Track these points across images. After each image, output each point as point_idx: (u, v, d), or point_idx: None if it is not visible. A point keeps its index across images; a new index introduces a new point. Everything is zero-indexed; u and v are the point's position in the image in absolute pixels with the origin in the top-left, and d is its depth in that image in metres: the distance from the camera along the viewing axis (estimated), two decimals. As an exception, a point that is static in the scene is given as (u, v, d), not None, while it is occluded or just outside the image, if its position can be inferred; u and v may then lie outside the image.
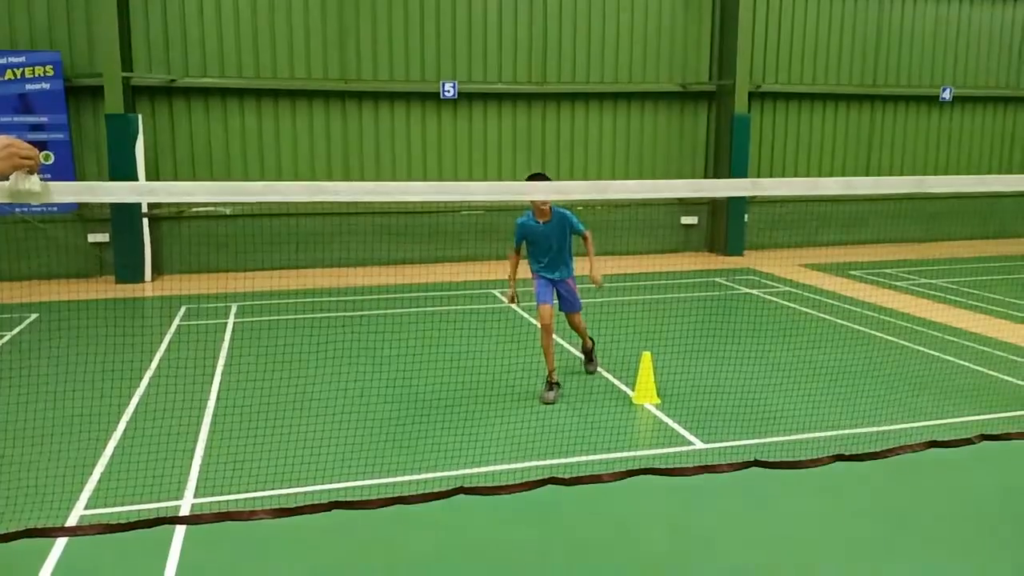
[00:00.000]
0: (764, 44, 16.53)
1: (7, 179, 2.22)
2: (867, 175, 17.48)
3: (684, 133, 16.44)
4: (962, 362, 8.28)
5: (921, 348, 8.84)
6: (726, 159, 15.95)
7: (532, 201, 7.24)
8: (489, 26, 15.02)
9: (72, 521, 4.82)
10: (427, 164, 15.01)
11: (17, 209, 12.93)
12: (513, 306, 7.80)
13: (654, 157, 16.26)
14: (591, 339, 8.00)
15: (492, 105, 15.27)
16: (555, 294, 7.48)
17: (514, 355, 8.49)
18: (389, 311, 10.94)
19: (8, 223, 13.09)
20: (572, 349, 8.72)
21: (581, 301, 7.63)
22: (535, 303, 7.44)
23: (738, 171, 15.77)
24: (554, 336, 7.48)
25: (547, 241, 7.36)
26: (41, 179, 2.27)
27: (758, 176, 16.64)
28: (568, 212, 7.45)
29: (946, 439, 3.99)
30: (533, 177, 7.13)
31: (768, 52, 16.60)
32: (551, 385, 7.19)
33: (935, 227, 18.00)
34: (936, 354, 8.59)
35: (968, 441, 3.92)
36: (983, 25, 17.84)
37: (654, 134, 16.25)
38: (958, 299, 11.55)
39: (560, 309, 7.62)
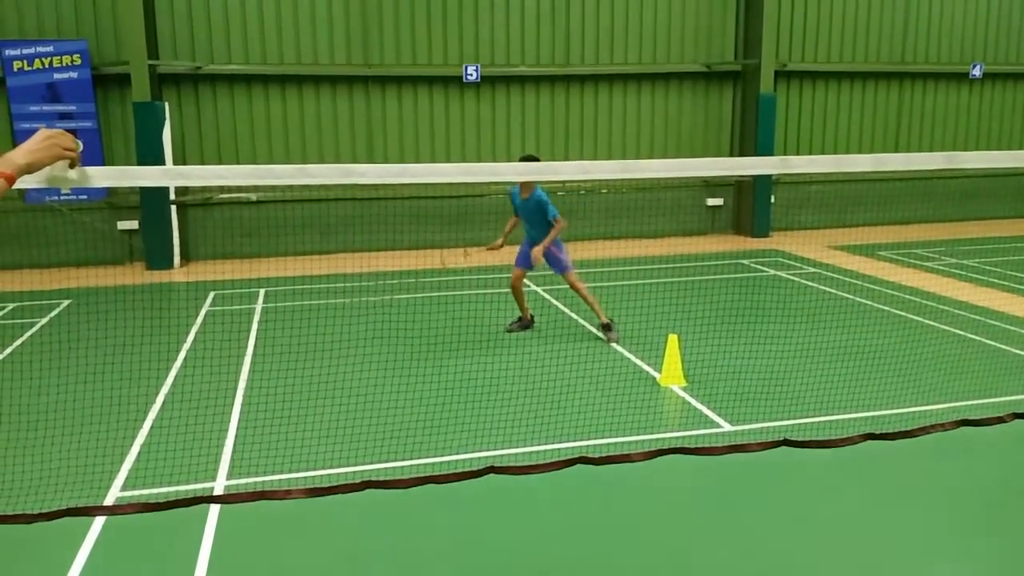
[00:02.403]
0: (790, 22, 16.31)
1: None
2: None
3: (709, 114, 16.31)
4: (993, 343, 8.19)
5: (951, 329, 8.75)
6: (752, 139, 15.80)
7: None
8: (511, 9, 14.95)
9: (109, 501, 4.92)
10: (450, 148, 15.01)
11: (47, 197, 13.12)
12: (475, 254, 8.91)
13: (679, 138, 16.15)
14: (531, 313, 8.97)
15: (515, 88, 15.22)
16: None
17: (541, 338, 8.52)
18: (417, 295, 10.99)
19: (40, 211, 13.29)
20: (589, 326, 8.72)
21: (568, 262, 8.54)
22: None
23: (764, 151, 15.63)
24: (524, 290, 8.92)
25: (524, 215, 8.50)
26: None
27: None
28: (546, 199, 8.35)
29: (978, 418, 3.96)
30: (524, 159, 8.27)
31: (794, 30, 16.38)
32: (518, 321, 8.84)
33: (965, 206, 17.74)
34: (966, 335, 8.50)
35: (1000, 419, 3.90)
36: (1015, 0, 17.48)
37: (679, 115, 16.13)
38: (988, 279, 11.41)
39: (554, 270, 8.67)
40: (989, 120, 17.87)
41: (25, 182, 2.21)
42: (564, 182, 8.24)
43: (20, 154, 2.08)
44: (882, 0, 16.72)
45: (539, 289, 11.03)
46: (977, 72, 17.37)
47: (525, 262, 8.57)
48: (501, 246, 8.70)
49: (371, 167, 2.72)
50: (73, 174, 2.30)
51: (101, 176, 2.45)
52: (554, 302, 10.24)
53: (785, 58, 16.29)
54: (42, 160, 2.12)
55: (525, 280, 9.23)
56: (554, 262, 8.52)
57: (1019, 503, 4.80)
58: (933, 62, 17.23)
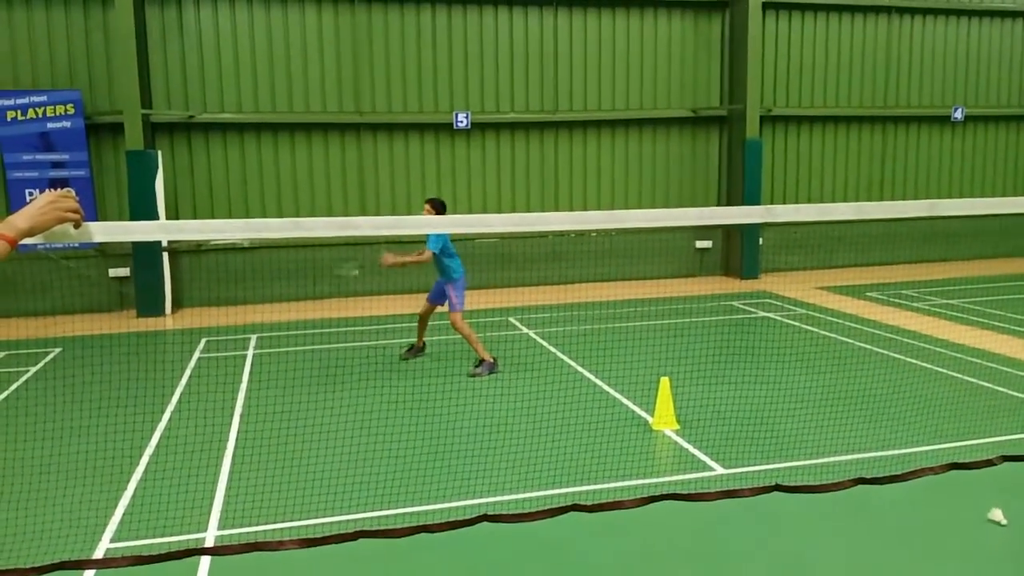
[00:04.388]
0: (774, 68, 16.63)
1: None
2: (880, 197, 17.49)
3: (696, 158, 16.53)
4: (982, 383, 8.25)
5: (940, 369, 8.81)
6: (739, 183, 16.01)
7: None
8: (501, 56, 15.21)
9: (99, 554, 4.88)
10: (441, 194, 15.13)
11: (39, 245, 13.12)
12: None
13: (667, 182, 16.36)
14: (423, 342, 9.84)
15: (505, 134, 15.43)
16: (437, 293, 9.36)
17: (532, 381, 8.53)
18: (409, 340, 10.99)
19: (31, 259, 13.30)
20: (581, 368, 8.75)
21: (457, 304, 9.07)
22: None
23: (751, 195, 15.83)
24: (427, 322, 9.80)
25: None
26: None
27: (771, 200, 16.68)
28: (434, 235, 8.79)
29: (967, 461, 3.99)
30: (432, 199, 9.06)
31: (778, 76, 16.70)
32: (410, 348, 9.82)
33: (952, 247, 17.94)
34: (956, 375, 8.56)
35: (989, 463, 3.93)
36: (994, 43, 17.89)
37: (666, 159, 16.35)
38: (977, 319, 11.51)
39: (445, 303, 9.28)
40: (972, 162, 18.17)
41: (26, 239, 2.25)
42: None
43: (23, 218, 2.13)
44: (864, 45, 17.09)
45: (530, 332, 11.07)
46: (959, 115, 17.70)
47: (435, 297, 9.41)
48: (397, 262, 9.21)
49: (366, 219, 2.78)
50: (74, 231, 2.35)
51: (101, 232, 2.49)
52: (547, 346, 10.27)
53: (770, 103, 16.58)
54: (44, 224, 2.17)
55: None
56: (448, 298, 9.13)
57: (1008, 546, 4.81)
58: (915, 105, 17.57)
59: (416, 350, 9.88)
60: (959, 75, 17.78)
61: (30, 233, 2.15)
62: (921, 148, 17.80)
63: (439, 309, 9.62)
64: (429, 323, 9.92)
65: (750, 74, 15.68)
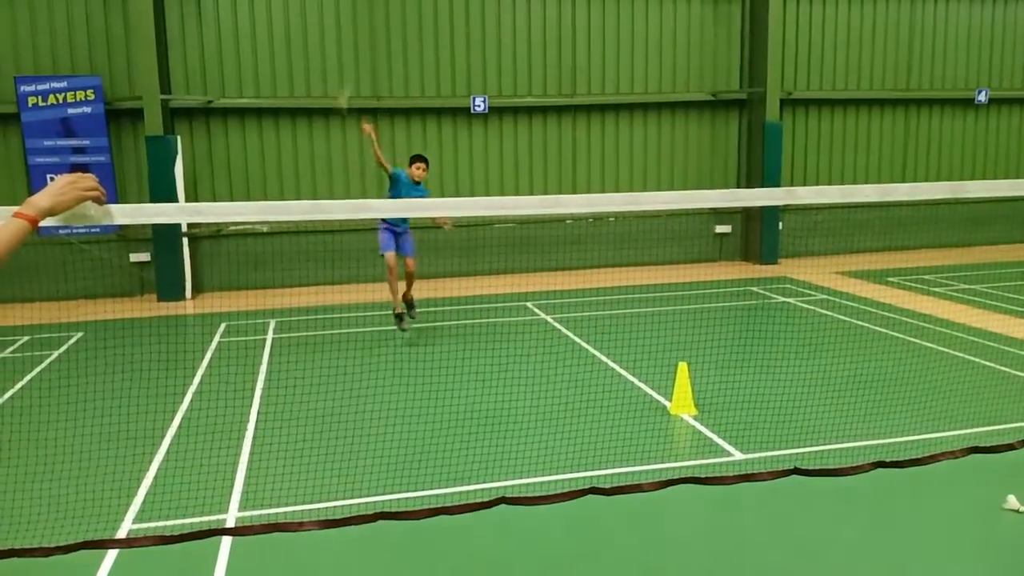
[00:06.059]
0: (795, 50, 16.45)
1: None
2: (903, 181, 17.29)
3: (716, 142, 16.41)
4: (1004, 368, 8.17)
5: (961, 354, 8.73)
6: (759, 167, 15.88)
7: (410, 170, 9.75)
8: (518, 40, 15.14)
9: (122, 534, 4.94)
10: (459, 178, 15.14)
11: (60, 230, 13.25)
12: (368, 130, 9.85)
13: (686, 166, 16.25)
14: (412, 295, 10.06)
15: (523, 118, 15.37)
16: (396, 243, 9.75)
17: (550, 366, 8.54)
18: (426, 325, 11.02)
19: (52, 244, 13.42)
20: (600, 355, 8.74)
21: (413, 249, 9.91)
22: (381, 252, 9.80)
23: (771, 179, 15.70)
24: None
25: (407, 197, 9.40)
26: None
27: (791, 184, 16.52)
28: (429, 193, 10.41)
29: (988, 445, 3.96)
30: (416, 157, 9.88)
31: (799, 58, 16.52)
32: (399, 317, 9.76)
33: (974, 232, 17.73)
34: (977, 360, 8.48)
35: (1010, 447, 3.90)
36: (1019, 24, 17.58)
37: (685, 143, 16.24)
38: (998, 304, 11.38)
39: (400, 252, 9.80)
40: (996, 145, 17.91)
41: (48, 219, 2.26)
42: (415, 173, 9.82)
43: (44, 197, 2.15)
44: (886, 27, 16.85)
45: (548, 318, 11.07)
46: (983, 98, 17.44)
47: (391, 246, 9.71)
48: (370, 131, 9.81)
49: (384, 202, 2.79)
50: (95, 211, 2.36)
51: (121, 214, 2.50)
52: (564, 331, 10.26)
53: (790, 86, 16.41)
54: (64, 203, 2.18)
55: None
56: (410, 245, 9.85)
57: (1033, 531, 4.77)
58: (938, 88, 17.32)
59: (405, 313, 9.91)
60: (983, 57, 17.50)
61: (51, 212, 2.16)
62: (944, 132, 17.57)
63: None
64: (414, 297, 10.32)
65: (770, 57, 15.52)
